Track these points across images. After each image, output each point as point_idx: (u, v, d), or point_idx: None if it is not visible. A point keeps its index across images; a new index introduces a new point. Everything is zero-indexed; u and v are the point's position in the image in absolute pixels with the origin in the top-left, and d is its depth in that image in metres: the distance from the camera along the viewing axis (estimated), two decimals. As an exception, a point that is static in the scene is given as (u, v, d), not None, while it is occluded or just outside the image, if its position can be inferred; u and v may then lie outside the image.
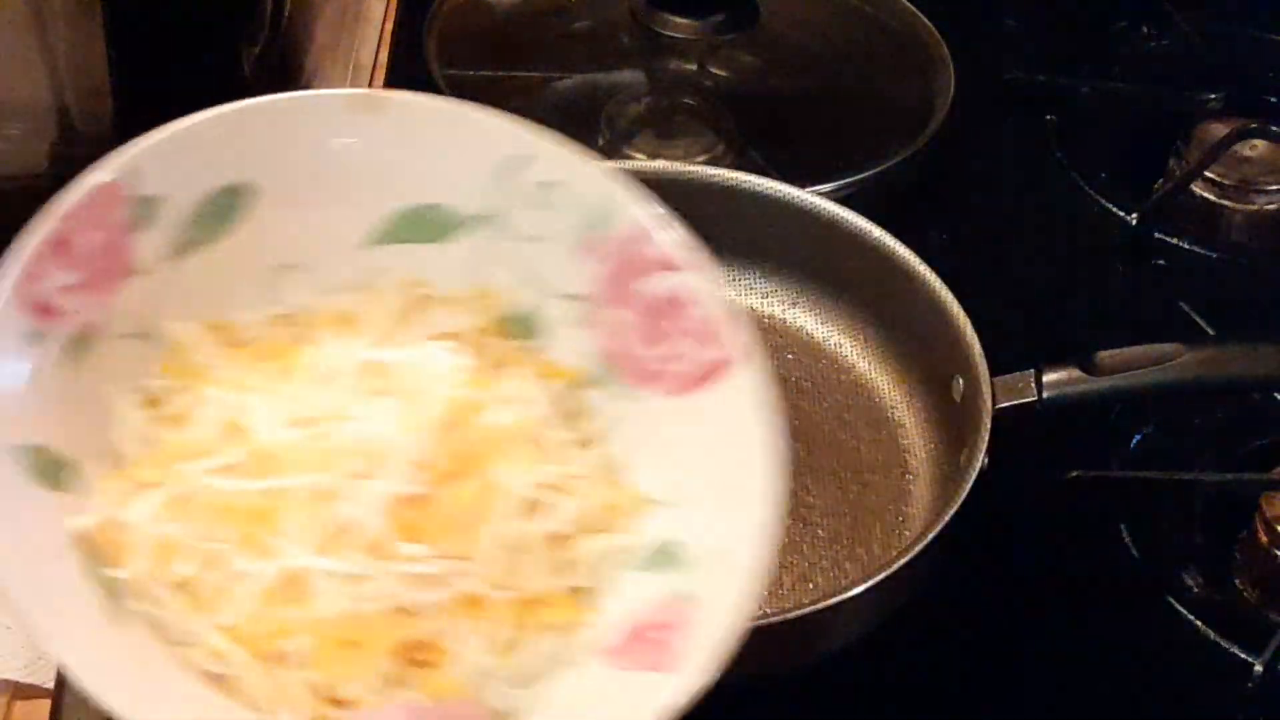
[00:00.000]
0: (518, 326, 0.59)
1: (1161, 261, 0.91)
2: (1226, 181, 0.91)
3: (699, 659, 0.50)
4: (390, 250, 0.58)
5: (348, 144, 0.57)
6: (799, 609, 0.64)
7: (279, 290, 0.57)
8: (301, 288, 0.58)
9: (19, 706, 0.70)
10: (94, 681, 0.47)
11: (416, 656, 0.52)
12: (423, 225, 0.58)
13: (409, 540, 0.52)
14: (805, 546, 0.72)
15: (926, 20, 0.97)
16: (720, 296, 0.55)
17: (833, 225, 0.76)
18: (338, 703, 0.51)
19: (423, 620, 0.51)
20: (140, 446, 0.54)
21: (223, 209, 0.56)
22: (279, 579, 0.51)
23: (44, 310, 0.52)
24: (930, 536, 0.65)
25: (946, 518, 0.66)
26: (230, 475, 0.52)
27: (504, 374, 0.57)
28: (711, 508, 0.54)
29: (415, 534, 0.52)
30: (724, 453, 0.54)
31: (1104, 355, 0.71)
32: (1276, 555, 0.72)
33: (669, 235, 0.56)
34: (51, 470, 0.52)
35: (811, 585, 0.71)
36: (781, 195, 0.77)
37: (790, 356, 0.80)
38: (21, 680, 0.70)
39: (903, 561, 0.65)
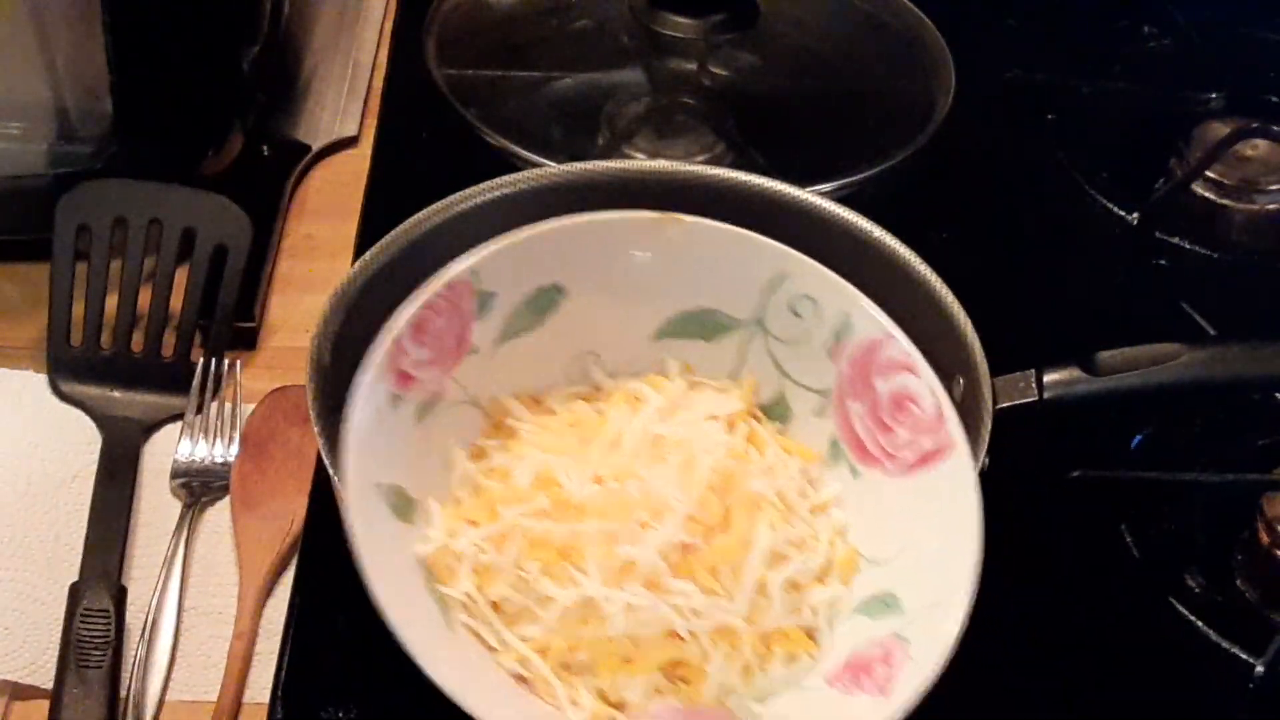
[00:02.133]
0: (770, 411, 0.71)
1: (1162, 261, 0.91)
2: (1227, 181, 0.91)
3: (908, 687, 0.59)
4: (670, 343, 0.71)
5: (647, 256, 0.68)
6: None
7: (581, 371, 0.70)
8: (598, 369, 0.70)
9: (18, 707, 0.70)
10: (433, 668, 0.57)
11: (678, 673, 0.63)
12: (699, 325, 0.70)
13: (680, 578, 0.62)
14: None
15: (927, 20, 0.97)
16: (938, 394, 0.65)
17: (833, 225, 0.76)
18: (615, 705, 0.62)
19: (686, 644, 0.62)
20: (469, 491, 0.66)
21: (541, 304, 0.68)
22: (576, 604, 0.62)
23: (404, 378, 0.64)
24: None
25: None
26: (540, 518, 0.63)
27: (759, 450, 0.68)
28: (923, 569, 0.64)
29: (684, 574, 0.63)
30: (934, 524, 0.64)
31: (1104, 355, 0.71)
32: (1277, 555, 0.72)
33: (899, 343, 0.67)
34: (403, 506, 0.63)
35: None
36: (781, 195, 0.77)
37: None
38: (20, 681, 0.70)
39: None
